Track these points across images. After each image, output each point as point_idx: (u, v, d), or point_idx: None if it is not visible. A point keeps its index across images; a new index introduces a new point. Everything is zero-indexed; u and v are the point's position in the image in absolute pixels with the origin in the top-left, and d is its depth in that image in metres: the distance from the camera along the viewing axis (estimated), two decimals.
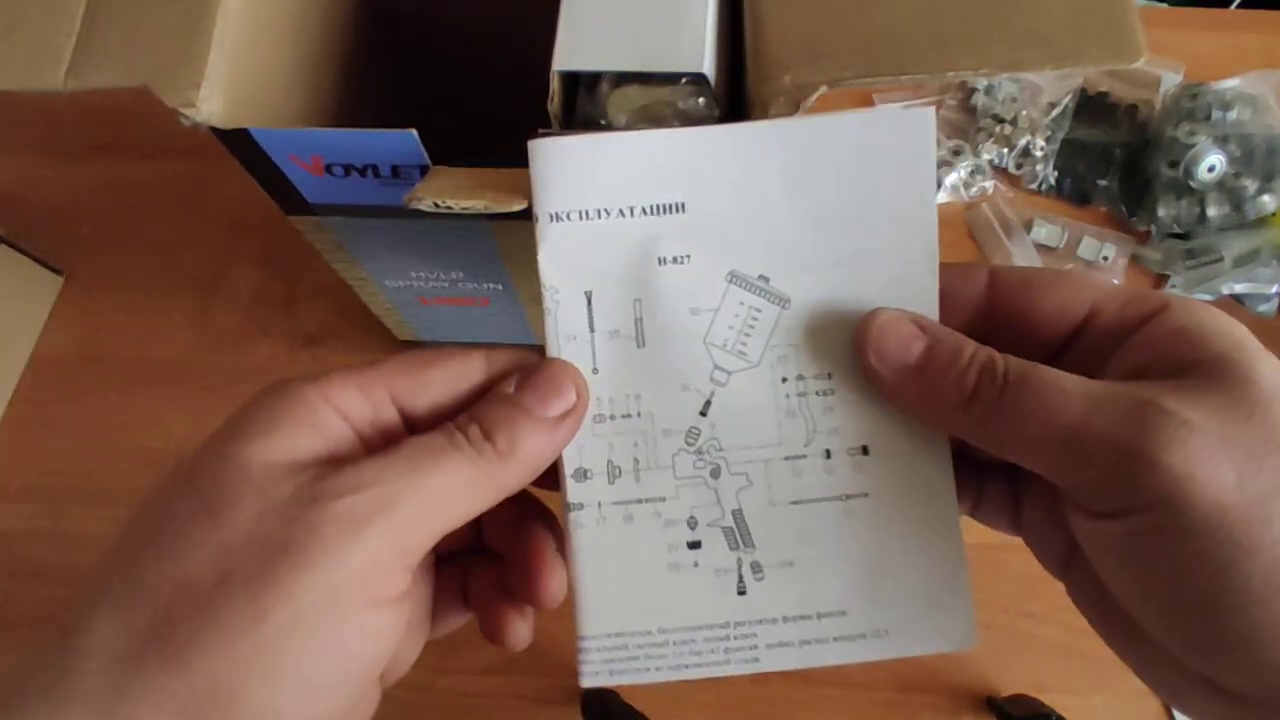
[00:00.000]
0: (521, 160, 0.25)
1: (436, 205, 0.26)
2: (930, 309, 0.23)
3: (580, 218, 0.23)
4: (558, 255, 0.23)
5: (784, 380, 0.23)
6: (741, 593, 0.23)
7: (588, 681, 0.24)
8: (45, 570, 0.46)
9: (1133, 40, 0.24)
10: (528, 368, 0.23)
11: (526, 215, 0.28)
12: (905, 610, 0.23)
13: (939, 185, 0.53)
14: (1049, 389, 0.20)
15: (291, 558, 0.18)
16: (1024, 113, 0.53)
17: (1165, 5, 0.63)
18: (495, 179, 0.26)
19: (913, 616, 0.23)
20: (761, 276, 0.23)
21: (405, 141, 0.26)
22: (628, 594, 0.23)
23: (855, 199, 0.23)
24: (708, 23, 0.27)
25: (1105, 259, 0.50)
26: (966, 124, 0.54)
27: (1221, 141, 0.48)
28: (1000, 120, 0.53)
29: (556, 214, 0.23)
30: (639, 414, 0.23)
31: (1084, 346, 0.22)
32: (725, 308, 0.23)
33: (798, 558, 0.23)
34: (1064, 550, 0.23)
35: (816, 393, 0.23)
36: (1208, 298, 0.49)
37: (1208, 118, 0.49)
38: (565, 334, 0.23)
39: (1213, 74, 0.51)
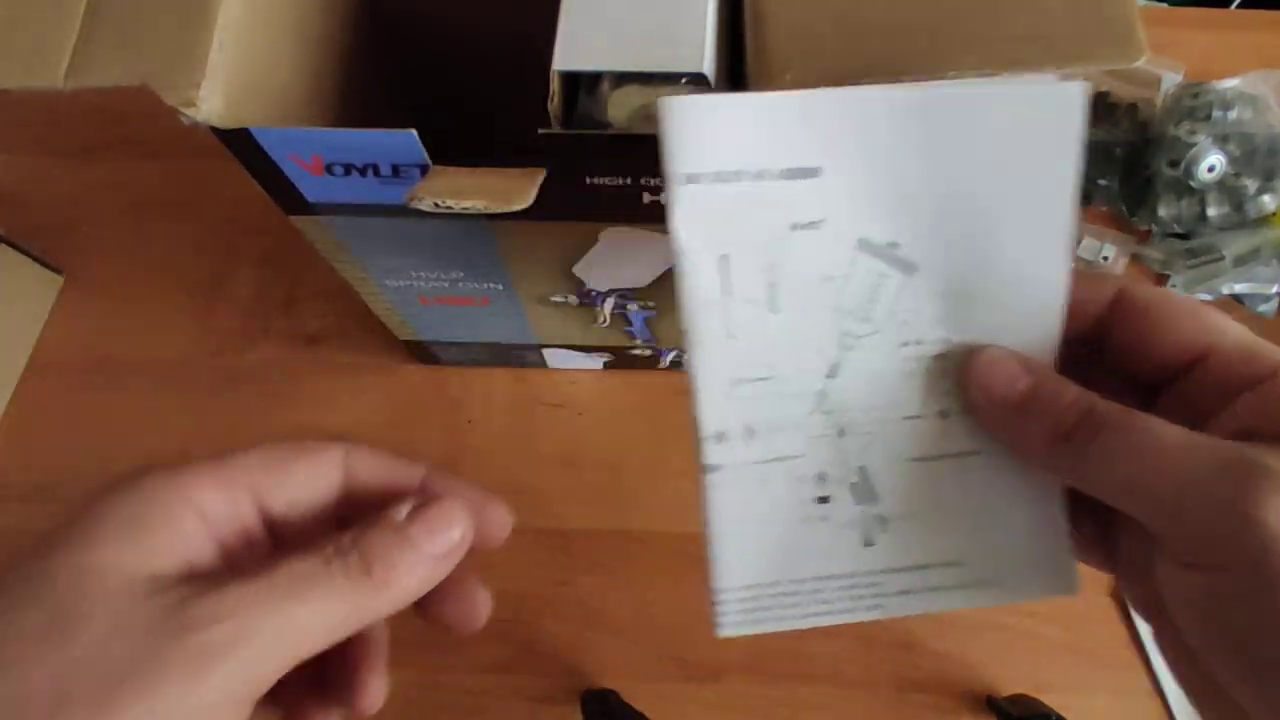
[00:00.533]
0: (520, 161, 0.25)
1: (437, 205, 0.26)
2: (1057, 299, 0.23)
3: (715, 180, 0.22)
4: (693, 218, 0.22)
5: (905, 345, 0.24)
6: (868, 544, 0.24)
7: (724, 632, 0.24)
8: None
9: (1134, 39, 0.24)
10: (422, 502, 0.22)
11: (526, 215, 0.28)
12: (1014, 561, 0.24)
13: None
14: (1147, 436, 0.20)
15: (135, 687, 0.18)
16: None
17: (1165, 5, 0.63)
18: (495, 179, 0.26)
19: (1020, 566, 0.25)
20: (891, 244, 0.23)
21: (405, 141, 0.26)
22: (761, 548, 0.24)
23: (993, 172, 0.22)
24: (707, 22, 0.27)
25: (1105, 258, 0.50)
26: None
27: (1222, 141, 0.48)
28: None
29: (692, 175, 0.22)
30: (772, 377, 0.24)
31: (1192, 386, 0.22)
32: (855, 274, 0.23)
33: (918, 511, 0.24)
34: (1157, 593, 0.22)
35: (935, 356, 0.24)
36: (1208, 297, 0.49)
37: (1208, 117, 0.49)
38: (701, 299, 0.23)
39: (1213, 74, 0.51)
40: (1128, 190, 0.52)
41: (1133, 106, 0.53)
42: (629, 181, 0.29)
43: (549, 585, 0.45)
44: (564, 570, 0.45)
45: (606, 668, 0.44)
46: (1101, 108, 0.54)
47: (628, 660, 0.44)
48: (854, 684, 0.43)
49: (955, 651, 0.43)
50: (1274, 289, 0.48)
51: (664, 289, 0.37)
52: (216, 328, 0.51)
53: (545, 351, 0.46)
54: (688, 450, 0.50)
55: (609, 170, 0.28)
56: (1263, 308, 0.49)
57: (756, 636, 0.45)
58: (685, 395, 0.53)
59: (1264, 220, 0.48)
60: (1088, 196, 0.52)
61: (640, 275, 0.36)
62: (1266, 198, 0.47)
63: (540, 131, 0.26)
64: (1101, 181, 0.52)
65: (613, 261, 0.35)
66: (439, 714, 0.43)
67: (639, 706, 0.41)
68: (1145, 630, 0.43)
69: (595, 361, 0.48)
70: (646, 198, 0.29)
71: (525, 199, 0.26)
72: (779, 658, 0.43)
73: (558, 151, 0.27)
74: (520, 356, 0.47)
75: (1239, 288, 0.48)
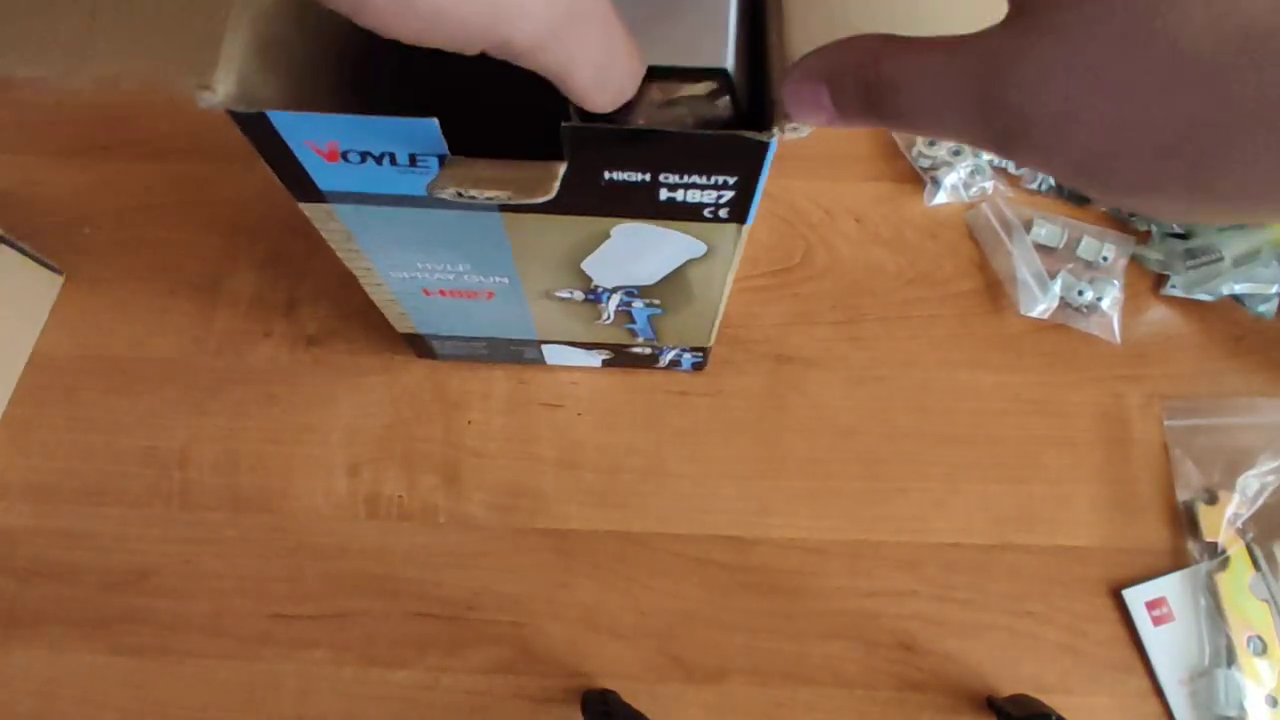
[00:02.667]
0: (538, 154, 0.25)
1: (460, 194, 0.26)
2: None
3: None
4: None
5: None
6: None
7: None
8: (46, 569, 0.46)
9: None
10: None
11: (542, 208, 0.28)
12: None
13: (939, 185, 0.52)
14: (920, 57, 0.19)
15: None
16: None
17: None
18: (514, 170, 0.26)
19: None
20: None
21: (425, 129, 0.26)
22: None
23: None
24: (730, 18, 0.27)
25: (1105, 259, 0.50)
26: None
27: None
28: None
29: None
30: None
31: None
32: None
33: None
34: None
35: None
36: (1208, 298, 0.50)
37: None
38: None
39: None
40: None
41: None
42: (648, 178, 0.29)
43: (549, 586, 0.45)
44: (564, 571, 0.45)
45: (607, 669, 0.44)
46: None
47: (628, 661, 0.44)
48: (854, 685, 0.43)
49: (955, 652, 0.43)
50: (1274, 289, 0.48)
51: (671, 286, 0.37)
52: (217, 329, 0.51)
53: (544, 348, 0.46)
54: (687, 451, 0.51)
55: (628, 165, 0.28)
56: (1262, 308, 0.49)
57: (757, 640, 0.45)
58: (684, 395, 0.53)
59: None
60: (1087, 196, 0.52)
61: (650, 272, 0.36)
62: None
63: (563, 125, 0.26)
64: None
65: (624, 257, 0.35)
66: (439, 714, 0.43)
67: (639, 708, 0.41)
68: (1145, 630, 0.43)
69: (594, 359, 0.48)
70: (664, 194, 0.30)
71: (549, 191, 0.26)
72: (779, 659, 0.44)
73: (578, 145, 0.27)
74: (519, 352, 0.47)
75: (1239, 288, 0.48)
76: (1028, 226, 0.51)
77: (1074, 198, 0.53)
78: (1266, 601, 0.43)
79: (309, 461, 0.48)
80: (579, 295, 0.39)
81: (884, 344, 0.49)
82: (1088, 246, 0.51)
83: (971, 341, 0.49)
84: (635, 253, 0.34)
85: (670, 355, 0.46)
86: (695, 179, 0.29)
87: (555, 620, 0.44)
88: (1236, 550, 0.44)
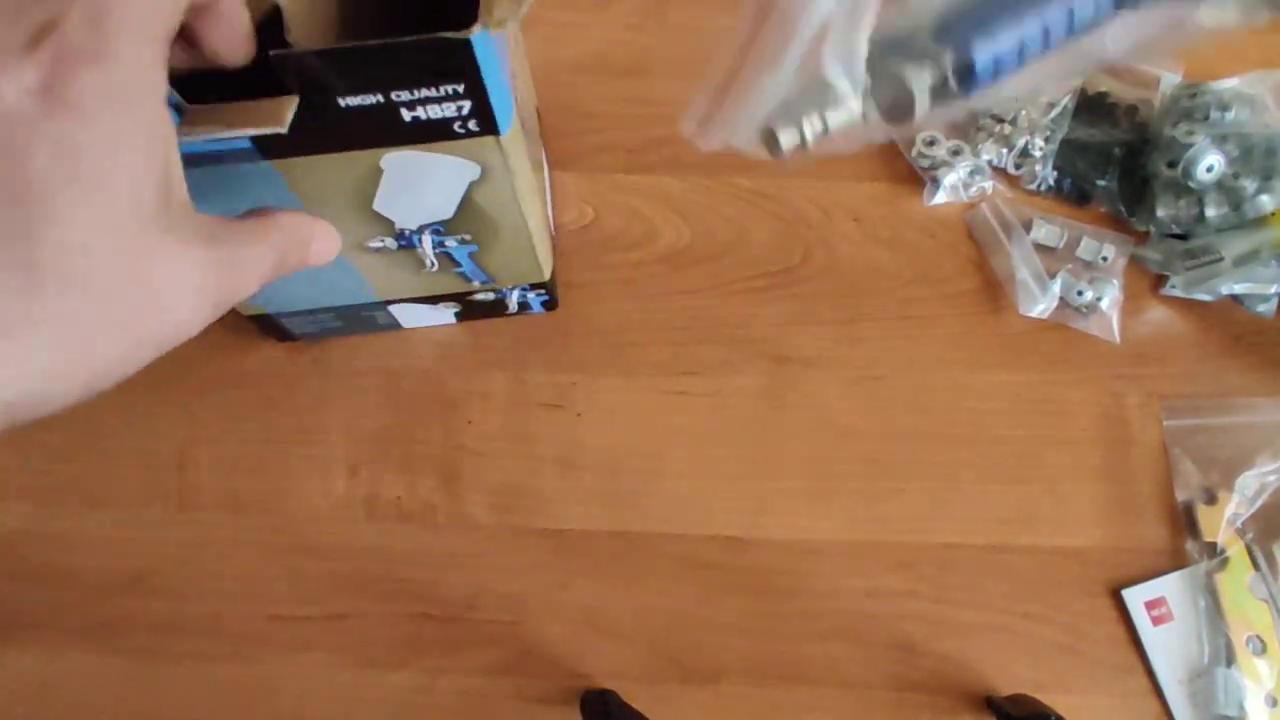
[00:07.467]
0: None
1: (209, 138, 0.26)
2: None
3: None
4: None
5: None
6: None
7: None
8: (43, 571, 0.45)
9: None
10: None
11: (292, 151, 0.28)
12: None
13: (938, 185, 0.52)
14: None
15: None
16: (1023, 112, 0.53)
17: None
18: (251, 112, 0.26)
19: None
20: None
21: None
22: None
23: None
24: None
25: (1105, 259, 0.50)
26: (965, 124, 0.54)
27: (1220, 141, 0.48)
28: (999, 120, 0.53)
29: None
30: None
31: None
32: None
33: None
34: None
35: None
36: (1207, 298, 0.50)
37: (1206, 118, 0.49)
38: None
39: (1212, 74, 0.51)
40: (1126, 191, 0.52)
41: (1132, 107, 0.53)
42: (381, 99, 0.28)
43: (548, 587, 0.45)
44: (563, 572, 0.45)
45: (605, 669, 0.44)
46: (1101, 108, 0.54)
47: (626, 662, 0.44)
48: (852, 685, 0.43)
49: (954, 652, 0.43)
50: (1273, 289, 0.48)
51: (470, 216, 0.36)
52: (213, 330, 0.51)
53: (394, 310, 0.46)
54: (686, 452, 0.50)
55: (358, 88, 0.27)
56: (1261, 308, 0.49)
57: (755, 640, 0.45)
58: (683, 396, 0.53)
59: (1262, 221, 0.48)
60: (1086, 196, 0.52)
61: (441, 204, 0.35)
62: (1265, 198, 0.47)
63: (272, 53, 0.25)
64: (1100, 182, 0.52)
65: (406, 190, 0.34)
66: (438, 716, 0.43)
67: (638, 708, 0.41)
68: (1145, 630, 0.43)
69: (446, 315, 0.47)
70: (405, 114, 0.29)
71: (282, 123, 0.26)
72: (777, 660, 0.43)
73: (301, 74, 0.26)
74: (371, 319, 0.46)
75: (1238, 288, 0.48)
76: (1027, 227, 0.51)
77: (1074, 198, 0.53)
78: (1266, 601, 0.43)
79: (307, 462, 0.47)
80: (391, 243, 0.38)
81: (883, 344, 0.49)
82: (1087, 247, 0.51)
83: (971, 341, 0.49)
84: (413, 183, 0.33)
85: (515, 296, 0.46)
86: (426, 92, 0.28)
87: (554, 621, 0.44)
88: (1236, 550, 0.44)
